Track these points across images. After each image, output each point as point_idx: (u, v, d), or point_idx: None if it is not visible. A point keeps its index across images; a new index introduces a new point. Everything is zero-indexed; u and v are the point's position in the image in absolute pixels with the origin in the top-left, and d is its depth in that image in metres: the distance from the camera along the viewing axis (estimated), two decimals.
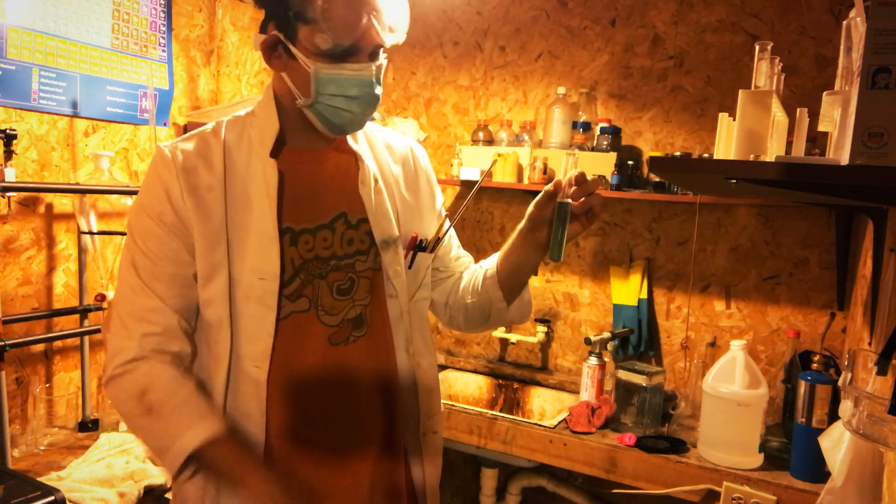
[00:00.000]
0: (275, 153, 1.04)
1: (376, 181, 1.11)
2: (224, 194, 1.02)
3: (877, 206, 1.50)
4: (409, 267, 1.13)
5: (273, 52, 1.00)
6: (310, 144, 1.09)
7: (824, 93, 0.97)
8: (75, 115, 1.94)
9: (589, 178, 1.00)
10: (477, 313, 1.19)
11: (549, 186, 1.01)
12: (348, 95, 0.99)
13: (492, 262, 1.16)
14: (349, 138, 1.12)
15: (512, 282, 1.14)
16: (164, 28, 2.18)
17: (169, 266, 1.01)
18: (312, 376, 1.04)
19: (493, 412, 2.13)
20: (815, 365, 1.79)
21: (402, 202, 1.15)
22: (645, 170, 2.32)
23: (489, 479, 2.42)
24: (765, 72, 1.02)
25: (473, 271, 1.21)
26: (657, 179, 2.23)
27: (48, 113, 1.86)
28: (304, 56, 0.97)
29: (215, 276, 1.01)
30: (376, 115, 2.63)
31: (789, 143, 1.18)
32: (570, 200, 1.00)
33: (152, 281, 1.01)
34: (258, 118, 1.07)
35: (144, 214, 1.02)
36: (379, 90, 1.02)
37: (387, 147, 1.19)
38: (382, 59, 1.02)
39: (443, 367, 2.62)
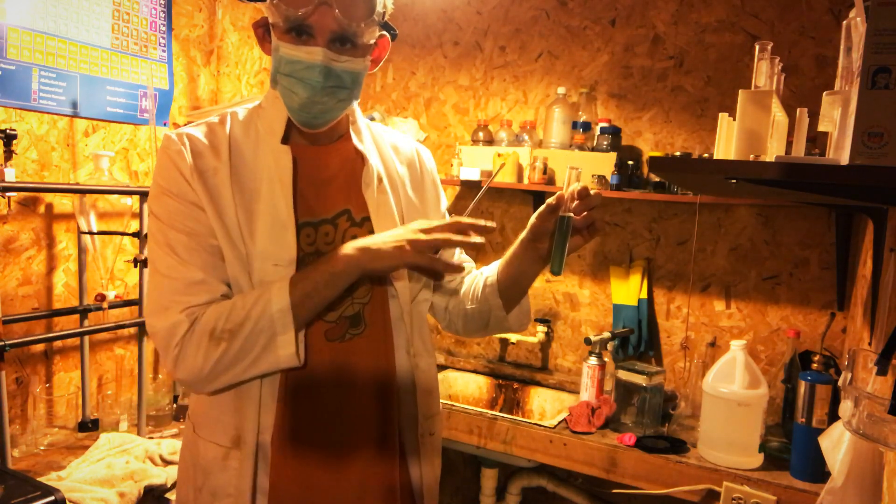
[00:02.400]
0: (284, 142, 1.06)
1: (381, 181, 1.11)
2: (230, 179, 1.03)
3: (877, 206, 1.51)
4: None
5: (265, 34, 1.04)
6: (314, 141, 1.09)
7: (824, 93, 0.97)
8: (75, 115, 1.94)
9: (591, 192, 1.00)
10: (476, 319, 1.19)
11: (551, 199, 1.01)
12: (298, 77, 0.99)
13: (492, 270, 1.16)
14: (354, 137, 1.12)
15: (512, 290, 1.14)
16: (164, 28, 2.18)
17: (205, 238, 1.00)
18: (308, 370, 1.04)
19: (493, 412, 2.13)
20: (815, 365, 1.79)
21: (407, 203, 1.15)
22: (645, 170, 2.32)
23: (489, 479, 2.42)
24: (765, 72, 1.02)
25: (474, 277, 1.21)
26: (657, 179, 2.23)
27: (48, 113, 1.87)
28: (275, 34, 1.00)
29: (235, 258, 1.01)
30: (376, 115, 2.63)
31: (789, 143, 1.18)
32: (571, 215, 0.99)
33: (191, 255, 0.99)
34: (266, 110, 1.08)
35: (166, 197, 1.01)
36: (335, 83, 1.00)
37: (393, 148, 1.19)
38: (360, 60, 1.02)
39: (443, 367, 2.62)
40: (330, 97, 1.01)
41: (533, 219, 1.04)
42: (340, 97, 1.03)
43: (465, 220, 0.99)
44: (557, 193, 1.01)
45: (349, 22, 0.97)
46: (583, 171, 0.99)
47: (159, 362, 2.26)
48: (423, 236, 0.97)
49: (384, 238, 0.99)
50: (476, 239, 0.99)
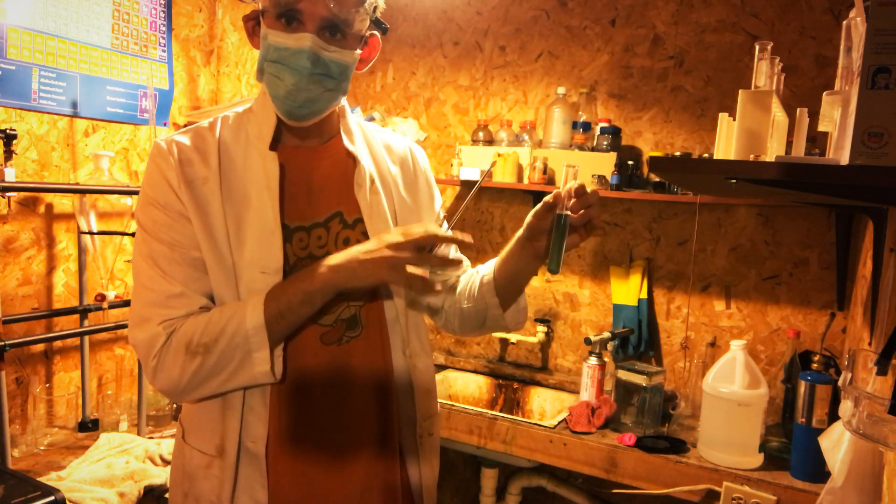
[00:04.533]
0: (272, 148, 1.05)
1: (373, 182, 1.11)
2: (220, 187, 1.02)
3: (877, 206, 1.51)
4: None
5: (255, 27, 1.03)
6: (304, 142, 1.09)
7: (824, 93, 0.97)
8: (75, 115, 1.94)
9: (588, 189, 0.99)
10: (472, 318, 1.19)
11: (548, 198, 1.00)
12: (285, 64, 0.98)
13: (489, 268, 1.16)
14: (345, 138, 1.12)
15: (508, 289, 1.14)
16: (164, 28, 2.18)
17: (188, 251, 1.00)
18: (305, 375, 1.04)
19: (493, 412, 2.13)
20: (815, 365, 1.79)
21: (399, 203, 1.15)
22: (645, 170, 2.32)
23: (489, 479, 2.42)
24: (765, 72, 1.02)
25: (470, 276, 1.21)
26: (657, 179, 2.23)
27: (48, 113, 1.87)
28: (264, 23, 1.00)
29: (220, 269, 1.01)
30: (376, 115, 2.63)
31: (789, 143, 1.18)
32: (568, 213, 0.99)
33: (172, 267, 1.00)
34: (256, 114, 1.08)
35: (152, 207, 1.01)
36: (322, 70, 0.99)
37: (385, 147, 1.19)
38: (350, 52, 1.01)
39: (443, 367, 2.62)
40: (317, 85, 1.00)
41: (529, 217, 1.03)
42: (327, 87, 1.01)
43: (441, 233, 0.97)
44: (554, 191, 1.00)
45: (339, 9, 0.97)
46: (580, 169, 0.98)
47: None
48: (397, 255, 0.94)
49: (358, 256, 0.97)
50: (454, 254, 0.98)
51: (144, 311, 1.00)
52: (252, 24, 1.04)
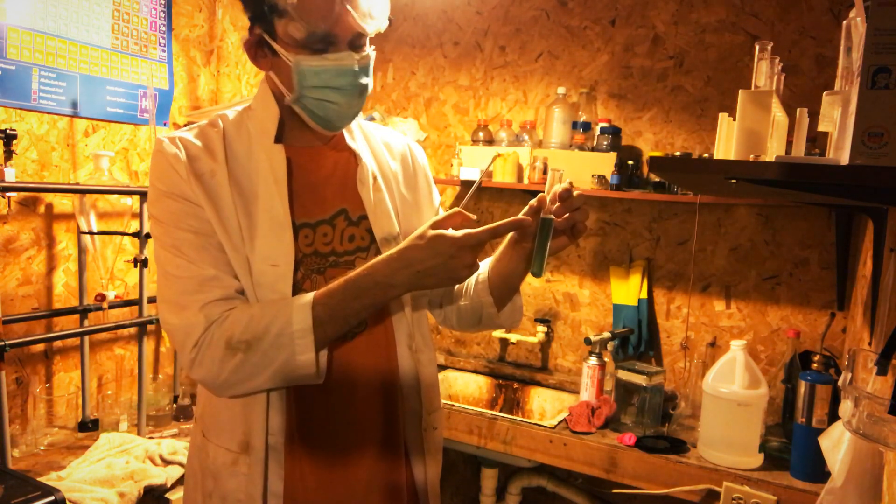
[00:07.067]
0: (277, 143, 1.05)
1: (375, 179, 1.12)
2: (228, 180, 1.02)
3: (877, 206, 1.51)
4: None
5: (258, 51, 1.02)
6: (307, 142, 1.09)
7: (824, 93, 0.97)
8: (75, 115, 1.94)
9: (574, 193, 0.99)
10: (469, 315, 1.19)
11: (533, 201, 1.01)
12: (331, 87, 0.99)
13: (484, 267, 1.16)
14: (347, 136, 1.12)
15: (502, 288, 1.14)
16: (164, 28, 2.18)
17: (212, 235, 0.99)
18: None
19: (493, 412, 2.13)
20: (815, 365, 1.79)
21: (401, 199, 1.16)
22: (645, 170, 2.32)
23: (489, 479, 2.42)
24: (765, 72, 1.02)
25: None
26: (657, 179, 2.23)
27: (48, 113, 1.86)
28: (285, 50, 0.98)
29: (235, 260, 1.00)
30: (376, 114, 2.63)
31: (789, 143, 1.18)
32: (552, 217, 0.99)
33: (199, 253, 0.98)
34: (256, 111, 1.08)
35: (167, 199, 1.00)
36: (366, 80, 1.02)
37: (385, 145, 1.20)
38: (370, 50, 1.02)
39: (443, 367, 2.62)
40: (363, 95, 1.03)
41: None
42: (366, 90, 1.04)
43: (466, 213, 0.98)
44: (539, 195, 1.01)
45: (364, 19, 0.98)
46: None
47: (160, 362, 2.26)
48: (473, 257, 0.94)
49: (434, 266, 0.94)
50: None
51: (180, 300, 0.97)
52: (254, 50, 1.02)
